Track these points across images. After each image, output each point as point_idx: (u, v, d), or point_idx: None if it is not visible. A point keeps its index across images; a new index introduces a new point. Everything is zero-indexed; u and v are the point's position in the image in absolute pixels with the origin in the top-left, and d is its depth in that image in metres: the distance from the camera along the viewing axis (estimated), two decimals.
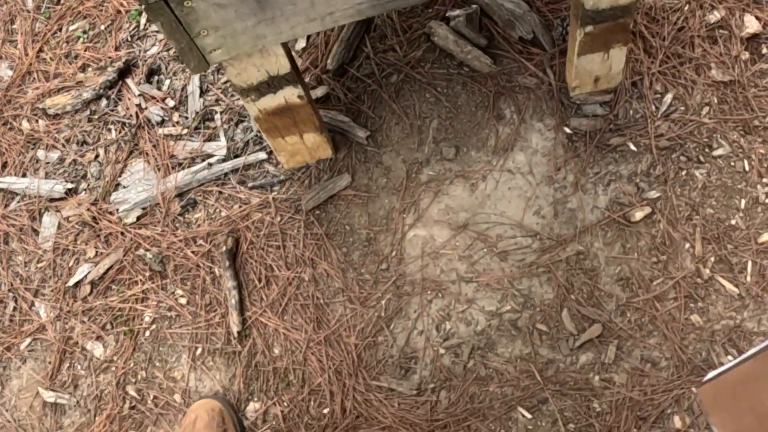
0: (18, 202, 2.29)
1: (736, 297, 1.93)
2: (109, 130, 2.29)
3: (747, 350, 1.90)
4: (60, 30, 2.45)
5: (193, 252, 2.10)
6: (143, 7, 1.57)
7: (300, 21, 1.66)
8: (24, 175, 2.31)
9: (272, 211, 2.09)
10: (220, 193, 2.15)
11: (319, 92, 2.14)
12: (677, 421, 1.87)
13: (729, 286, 1.94)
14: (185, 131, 2.22)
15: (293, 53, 2.22)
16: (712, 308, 1.93)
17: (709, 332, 1.92)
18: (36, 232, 2.25)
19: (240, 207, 2.12)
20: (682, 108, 2.07)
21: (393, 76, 2.17)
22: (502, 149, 2.08)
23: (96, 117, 2.31)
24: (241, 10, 1.60)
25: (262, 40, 1.68)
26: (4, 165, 2.34)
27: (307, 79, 2.17)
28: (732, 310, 1.93)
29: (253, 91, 1.86)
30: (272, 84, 1.85)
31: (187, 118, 2.23)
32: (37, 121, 2.35)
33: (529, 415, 1.91)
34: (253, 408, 2.00)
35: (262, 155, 2.15)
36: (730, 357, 1.90)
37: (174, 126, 2.24)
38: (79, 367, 2.12)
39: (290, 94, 1.88)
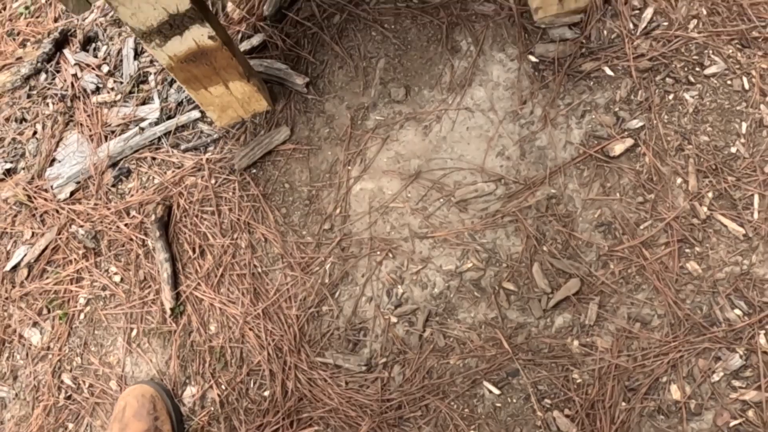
0: None
1: (741, 238, 1.54)
2: (47, 104, 2.02)
3: (758, 301, 1.50)
4: (4, 9, 2.20)
5: (126, 225, 1.81)
6: None
7: None
8: None
9: (206, 173, 1.78)
10: (153, 158, 1.85)
11: (255, 41, 1.83)
12: (674, 391, 1.48)
13: (732, 225, 1.55)
14: (119, 97, 1.93)
15: (229, 4, 1.91)
16: (712, 253, 1.54)
17: (710, 282, 1.52)
18: None
19: (173, 172, 1.81)
20: (665, 23, 1.68)
21: (335, 16, 1.83)
22: (458, 85, 1.72)
23: (35, 92, 2.05)
24: None
25: None
26: None
27: (242, 29, 1.86)
28: (737, 254, 1.53)
29: (155, 34, 1.56)
30: (175, 24, 1.54)
31: (121, 83, 1.95)
32: None
33: (496, 391, 1.55)
34: (190, 393, 1.68)
35: (196, 114, 1.84)
36: (737, 311, 1.50)
37: (108, 93, 1.95)
38: (18, 356, 1.85)
39: (199, 35, 1.57)
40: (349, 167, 1.72)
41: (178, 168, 1.81)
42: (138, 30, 1.54)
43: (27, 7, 2.16)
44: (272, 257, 1.70)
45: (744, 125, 1.61)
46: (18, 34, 2.15)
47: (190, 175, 1.79)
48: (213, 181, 1.77)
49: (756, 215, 1.55)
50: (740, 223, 1.55)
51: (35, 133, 2.00)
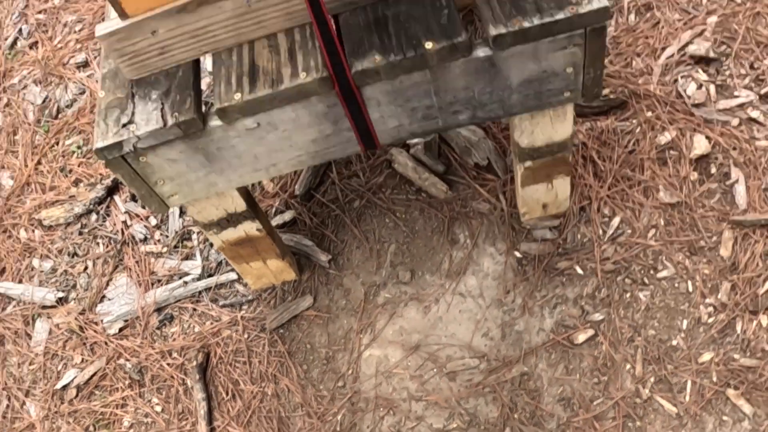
0: (14, 306, 2.58)
1: (674, 416, 2.11)
2: (98, 244, 2.56)
3: None
4: (57, 144, 2.73)
5: (168, 364, 2.35)
6: (104, 162, 1.82)
7: (247, 171, 1.90)
8: (20, 282, 2.60)
9: (240, 328, 2.34)
10: (194, 309, 2.39)
11: (286, 216, 2.39)
12: None
13: (668, 405, 2.12)
14: (165, 249, 2.48)
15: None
16: (650, 427, 2.11)
17: None
18: (29, 336, 2.53)
19: (211, 324, 2.36)
20: (629, 231, 2.26)
21: (356, 201, 2.40)
22: (455, 273, 2.29)
23: (86, 231, 2.58)
24: (191, 163, 1.85)
25: (214, 186, 1.93)
26: (2, 271, 2.63)
27: (276, 204, 2.42)
28: (669, 429, 2.10)
29: (214, 225, 2.10)
30: (231, 220, 2.09)
31: (167, 236, 2.49)
32: (33, 231, 2.63)
33: None
34: None
35: (233, 276, 2.39)
36: None
37: (155, 244, 2.50)
38: None
39: (249, 227, 2.12)
40: (361, 335, 2.27)
41: (216, 321, 2.36)
42: (200, 222, 2.08)
43: (79, 147, 2.69)
44: (294, 405, 2.25)
45: (685, 322, 2.18)
46: (70, 171, 2.68)
47: (226, 328, 2.34)
48: (246, 336, 2.32)
49: (688, 398, 2.12)
50: (674, 403, 2.12)
51: (86, 268, 2.53)
